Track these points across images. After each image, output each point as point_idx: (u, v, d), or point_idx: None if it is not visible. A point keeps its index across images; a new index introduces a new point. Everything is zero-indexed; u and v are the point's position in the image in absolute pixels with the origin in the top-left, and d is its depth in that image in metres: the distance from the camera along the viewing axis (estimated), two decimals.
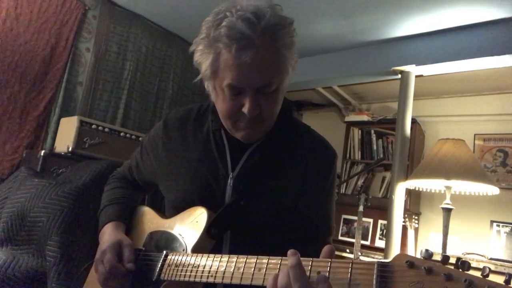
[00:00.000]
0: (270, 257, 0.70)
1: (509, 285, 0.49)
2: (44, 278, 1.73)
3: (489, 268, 0.52)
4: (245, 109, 0.81)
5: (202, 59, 0.84)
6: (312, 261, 0.65)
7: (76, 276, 1.66)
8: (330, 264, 0.63)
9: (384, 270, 0.57)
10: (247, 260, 0.73)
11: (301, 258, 0.65)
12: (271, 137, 0.94)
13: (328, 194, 0.98)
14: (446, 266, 0.54)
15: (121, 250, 0.91)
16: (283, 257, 0.68)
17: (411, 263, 0.55)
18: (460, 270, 0.53)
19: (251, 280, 0.70)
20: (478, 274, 0.51)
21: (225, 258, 0.76)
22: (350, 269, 0.60)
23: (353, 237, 3.44)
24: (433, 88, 3.48)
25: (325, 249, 0.65)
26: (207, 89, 0.91)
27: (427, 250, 0.56)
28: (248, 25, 0.76)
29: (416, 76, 2.90)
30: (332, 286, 0.59)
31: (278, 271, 0.66)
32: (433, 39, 2.77)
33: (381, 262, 0.58)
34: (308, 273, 0.63)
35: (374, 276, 0.57)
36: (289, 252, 0.63)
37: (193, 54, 0.86)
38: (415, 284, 0.54)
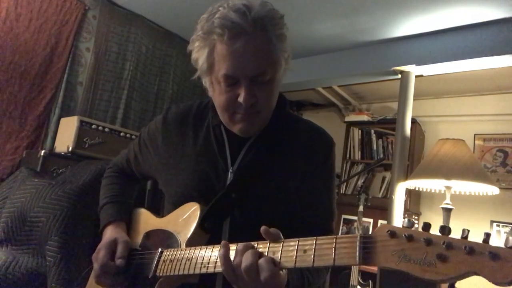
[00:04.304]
0: (259, 241, 0.71)
1: (486, 244, 0.50)
2: (44, 278, 1.73)
3: (468, 230, 0.53)
4: (240, 98, 0.83)
5: (199, 54, 0.87)
6: (299, 240, 0.67)
7: (79, 278, 1.66)
8: (316, 241, 0.64)
9: (367, 241, 0.58)
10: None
11: (287, 239, 0.69)
12: (268, 131, 0.95)
13: (328, 181, 0.99)
14: (427, 232, 0.55)
15: (115, 248, 0.94)
16: (271, 242, 0.70)
17: (393, 232, 0.57)
18: (440, 234, 0.54)
19: None
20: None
21: (217, 248, 0.77)
22: (334, 244, 0.62)
23: None
24: (433, 88, 3.48)
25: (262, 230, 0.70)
26: (205, 85, 0.93)
27: (409, 220, 0.58)
28: (239, 15, 0.80)
29: (416, 76, 2.90)
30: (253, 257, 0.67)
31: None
32: (433, 39, 2.77)
33: (364, 234, 0.60)
34: (294, 253, 0.66)
35: (357, 249, 0.58)
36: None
37: (191, 54, 0.90)
38: (397, 252, 0.55)
